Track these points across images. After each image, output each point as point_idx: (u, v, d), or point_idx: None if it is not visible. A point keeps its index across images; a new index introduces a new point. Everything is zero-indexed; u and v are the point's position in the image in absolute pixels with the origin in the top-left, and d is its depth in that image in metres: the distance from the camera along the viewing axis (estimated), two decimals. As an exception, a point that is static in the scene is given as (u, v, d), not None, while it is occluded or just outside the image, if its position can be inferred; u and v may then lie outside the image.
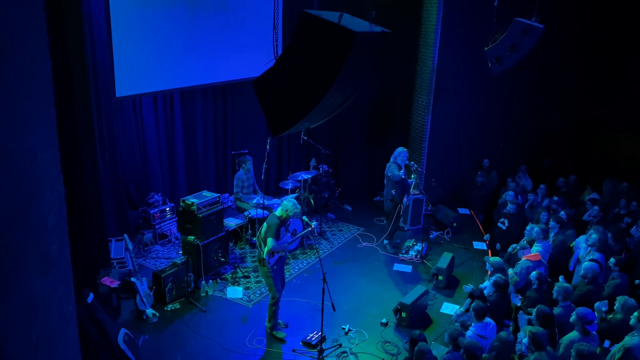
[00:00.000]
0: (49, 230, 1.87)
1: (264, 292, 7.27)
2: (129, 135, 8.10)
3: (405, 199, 8.45)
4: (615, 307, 5.51)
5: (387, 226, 8.75)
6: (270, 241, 5.83)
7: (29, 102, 1.71)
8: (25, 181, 1.69)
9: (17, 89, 1.62)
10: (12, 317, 1.58)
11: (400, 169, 8.19)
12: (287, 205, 5.99)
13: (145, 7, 7.36)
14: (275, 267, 6.05)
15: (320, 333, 6.12)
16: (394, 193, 8.32)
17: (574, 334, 5.11)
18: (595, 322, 5.14)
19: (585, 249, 7.03)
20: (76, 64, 6.13)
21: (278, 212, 6.03)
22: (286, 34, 9.28)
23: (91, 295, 5.57)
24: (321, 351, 5.96)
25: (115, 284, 6.54)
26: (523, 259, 6.79)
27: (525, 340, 4.88)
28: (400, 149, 8.33)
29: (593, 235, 6.97)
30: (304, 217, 7.00)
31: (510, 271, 6.80)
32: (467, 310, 5.82)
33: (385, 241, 8.71)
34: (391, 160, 8.31)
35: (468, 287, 6.88)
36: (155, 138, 8.50)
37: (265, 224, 6.01)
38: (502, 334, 5.17)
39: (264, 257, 5.91)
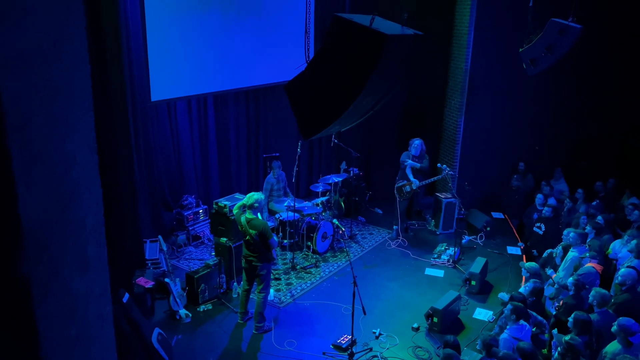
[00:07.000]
0: (87, 231, 1.92)
1: (294, 294, 7.30)
2: (163, 138, 8.27)
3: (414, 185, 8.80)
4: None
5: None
6: (274, 240, 6.20)
7: (68, 107, 1.77)
8: (65, 183, 1.74)
9: (57, 94, 1.67)
10: (52, 313, 1.64)
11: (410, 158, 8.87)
12: (253, 199, 6.11)
13: (180, 14, 7.51)
14: None
15: (350, 337, 6.11)
16: (397, 177, 8.98)
17: (616, 346, 4.86)
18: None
19: (624, 255, 6.79)
20: (113, 70, 6.31)
21: (253, 215, 6.14)
22: (318, 37, 9.31)
23: (127, 295, 5.69)
24: (351, 355, 5.94)
25: (149, 284, 6.67)
26: (589, 265, 6.48)
27: (560, 348, 4.72)
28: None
29: (633, 241, 6.72)
30: (335, 220, 7.01)
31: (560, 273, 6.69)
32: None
33: (395, 227, 9.07)
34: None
35: (504, 295, 6.75)
36: (189, 141, 8.65)
37: (254, 230, 6.02)
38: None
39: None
